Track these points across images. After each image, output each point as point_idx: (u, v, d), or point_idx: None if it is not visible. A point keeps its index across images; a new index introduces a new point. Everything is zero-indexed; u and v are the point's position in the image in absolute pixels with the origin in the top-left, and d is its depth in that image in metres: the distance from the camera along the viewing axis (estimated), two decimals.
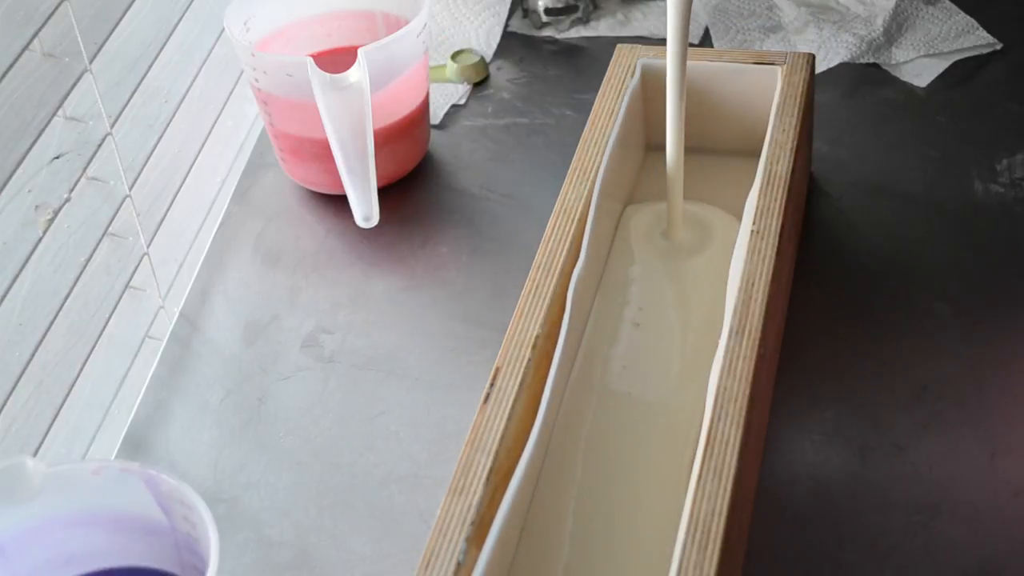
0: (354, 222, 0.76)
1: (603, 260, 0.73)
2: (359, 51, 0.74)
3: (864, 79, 0.89)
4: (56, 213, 0.65)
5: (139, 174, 0.73)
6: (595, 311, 0.71)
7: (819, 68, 0.88)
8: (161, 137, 0.76)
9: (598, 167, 0.71)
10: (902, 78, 0.89)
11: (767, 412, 0.67)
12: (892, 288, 0.75)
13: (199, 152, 0.82)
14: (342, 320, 0.76)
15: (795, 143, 0.71)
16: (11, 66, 0.61)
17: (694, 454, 0.60)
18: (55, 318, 0.65)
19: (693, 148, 0.74)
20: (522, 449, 0.60)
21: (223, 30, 0.82)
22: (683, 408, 0.65)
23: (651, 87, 0.77)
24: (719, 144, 0.78)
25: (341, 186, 0.76)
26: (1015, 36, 0.91)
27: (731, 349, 0.61)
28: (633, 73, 0.76)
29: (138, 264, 0.74)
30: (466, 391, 0.70)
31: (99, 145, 0.69)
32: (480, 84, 0.91)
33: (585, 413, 0.66)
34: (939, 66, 0.89)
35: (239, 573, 0.64)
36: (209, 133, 0.83)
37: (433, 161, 0.85)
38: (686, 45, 0.67)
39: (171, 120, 0.77)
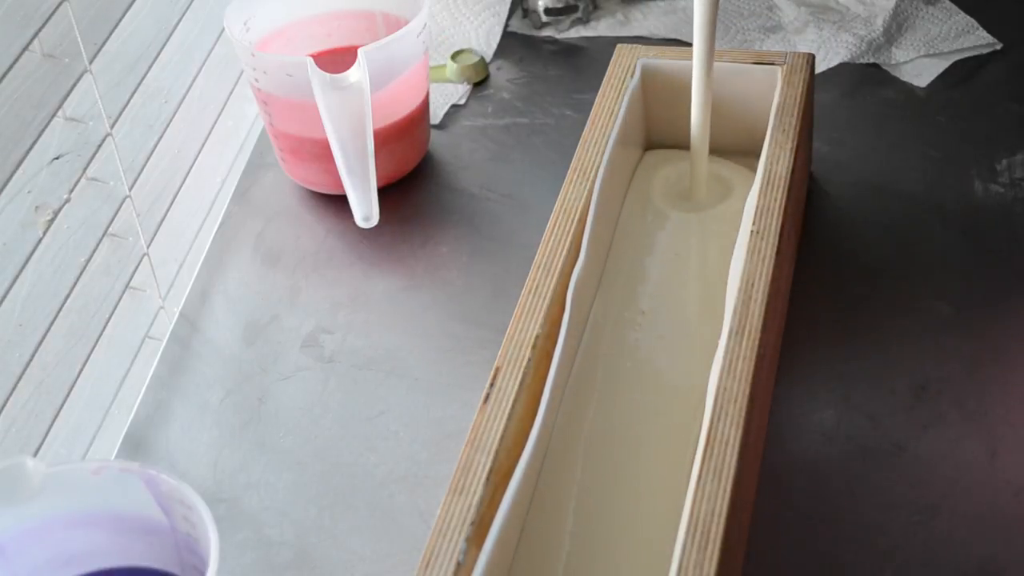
0: (354, 222, 0.76)
1: (603, 259, 0.73)
2: (359, 51, 0.74)
3: (864, 79, 0.89)
4: (56, 214, 0.65)
5: (139, 174, 0.73)
6: (606, 282, 0.72)
7: (819, 68, 0.88)
8: (161, 137, 0.76)
9: (598, 167, 0.71)
10: (902, 78, 0.89)
11: (767, 412, 0.67)
12: (892, 288, 0.75)
13: (199, 152, 0.82)
14: (342, 320, 0.76)
15: (795, 143, 0.71)
16: (11, 66, 0.61)
17: (694, 454, 0.60)
18: (55, 318, 0.65)
19: None
20: (522, 449, 0.60)
21: (223, 30, 0.82)
22: (684, 408, 0.65)
23: (651, 87, 0.77)
24: (719, 144, 0.78)
25: (341, 186, 0.76)
26: (1015, 36, 0.91)
27: (731, 349, 0.61)
28: (633, 73, 0.76)
29: (138, 264, 0.74)
30: (466, 391, 0.70)
31: (99, 145, 0.69)
32: (480, 84, 0.91)
33: (585, 413, 0.66)
34: (939, 66, 0.89)
35: (239, 573, 0.64)
36: (209, 133, 0.83)
37: (433, 161, 0.85)
38: (716, 9, 0.69)
39: (171, 120, 0.77)
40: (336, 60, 0.81)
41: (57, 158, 0.67)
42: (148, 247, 0.75)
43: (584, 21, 0.95)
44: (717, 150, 0.78)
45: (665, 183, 0.77)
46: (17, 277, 0.62)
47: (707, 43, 0.70)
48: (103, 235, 0.70)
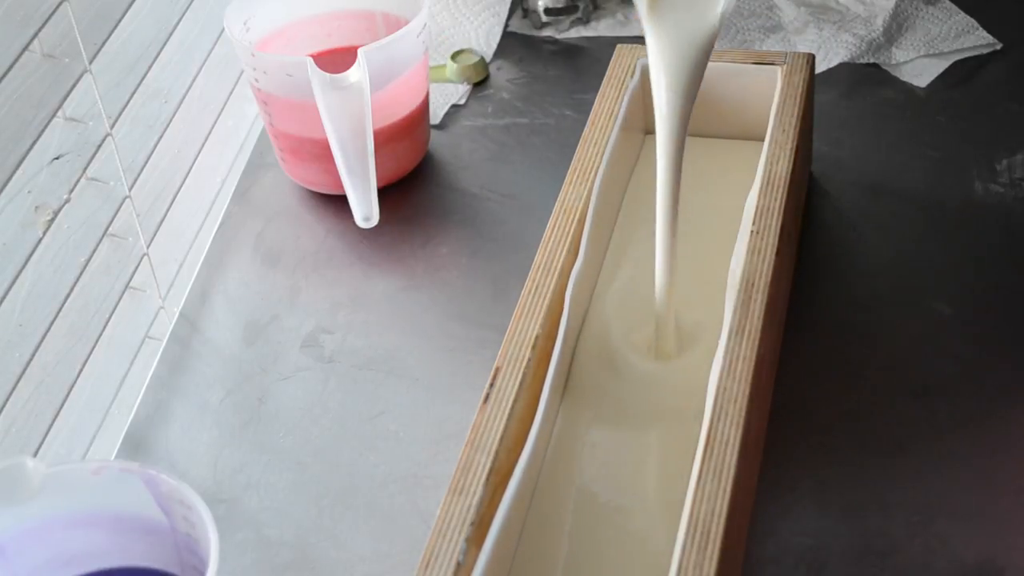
0: (354, 222, 0.76)
1: (602, 259, 0.73)
2: (359, 51, 0.74)
3: (864, 79, 0.89)
4: (56, 214, 0.65)
5: (139, 174, 0.73)
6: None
7: (819, 68, 0.88)
8: (161, 137, 0.76)
9: (598, 167, 0.71)
10: (902, 78, 0.89)
11: (767, 412, 0.67)
12: (892, 288, 0.75)
13: (199, 152, 0.82)
14: (342, 320, 0.76)
15: (795, 143, 0.71)
16: (11, 66, 0.61)
17: (695, 453, 0.60)
18: (55, 319, 0.65)
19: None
20: (522, 449, 0.60)
21: (223, 30, 0.82)
22: (685, 406, 0.65)
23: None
24: (720, 144, 0.78)
25: (341, 186, 0.76)
26: (1015, 36, 0.91)
27: (731, 349, 0.61)
28: (633, 73, 0.76)
29: (138, 264, 0.74)
30: (466, 391, 0.70)
31: (99, 145, 0.69)
32: (480, 84, 0.91)
33: (585, 412, 0.66)
34: (939, 66, 0.89)
35: (239, 573, 0.64)
36: (209, 133, 0.83)
37: (433, 161, 0.85)
38: (679, 164, 0.62)
39: (171, 120, 0.77)
40: (336, 60, 0.81)
41: (57, 158, 0.67)
42: (148, 247, 0.75)
43: (584, 21, 0.95)
44: (718, 149, 0.78)
45: (630, 335, 0.69)
46: (17, 277, 0.62)
47: (671, 200, 0.62)
48: (103, 235, 0.70)
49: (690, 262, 0.69)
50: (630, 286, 0.71)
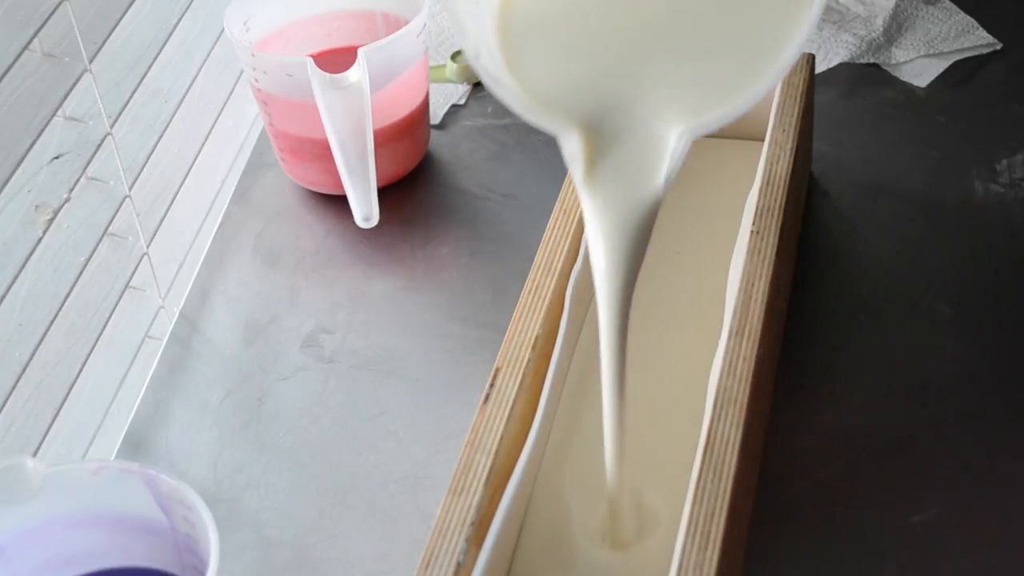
0: (354, 222, 0.76)
1: None
2: (359, 51, 0.75)
3: (864, 79, 0.89)
4: (56, 213, 0.65)
5: (139, 174, 0.73)
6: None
7: (819, 68, 0.88)
8: (161, 137, 0.76)
9: None
10: (902, 78, 0.89)
11: (767, 412, 0.67)
12: (892, 288, 0.75)
13: (199, 152, 0.82)
14: (342, 320, 0.76)
15: (795, 143, 0.71)
16: (11, 66, 0.61)
17: (695, 452, 0.60)
18: (55, 318, 0.65)
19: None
20: (522, 449, 0.60)
21: (223, 30, 0.82)
22: (683, 404, 0.65)
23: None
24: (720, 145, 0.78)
25: (341, 186, 0.76)
26: (1015, 36, 0.91)
27: (731, 349, 0.61)
28: None
29: (138, 264, 0.74)
30: (466, 391, 0.70)
31: (99, 145, 0.69)
32: (480, 84, 0.90)
33: (585, 411, 0.66)
34: (939, 66, 0.89)
35: (239, 573, 0.64)
36: (209, 133, 0.83)
37: (433, 161, 0.85)
38: (625, 330, 0.54)
39: (171, 120, 0.77)
40: (336, 60, 0.81)
41: (57, 158, 0.67)
42: (148, 247, 0.75)
43: None
44: (718, 149, 0.78)
45: (582, 517, 0.61)
46: (17, 277, 0.62)
47: (616, 376, 0.55)
48: (103, 235, 0.70)
49: (648, 422, 0.63)
50: (582, 459, 0.64)
